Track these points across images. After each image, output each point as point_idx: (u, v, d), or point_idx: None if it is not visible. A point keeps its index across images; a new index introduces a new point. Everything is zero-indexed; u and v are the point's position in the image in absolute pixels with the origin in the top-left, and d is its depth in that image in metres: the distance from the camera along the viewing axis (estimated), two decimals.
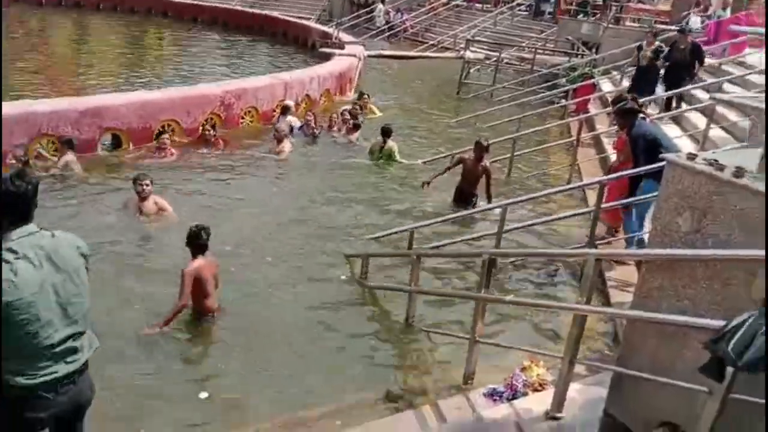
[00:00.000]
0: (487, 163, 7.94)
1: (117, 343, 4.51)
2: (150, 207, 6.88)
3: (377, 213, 7.80)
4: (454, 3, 26.86)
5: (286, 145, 9.57)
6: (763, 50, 10.35)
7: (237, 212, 7.32)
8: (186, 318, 5.04)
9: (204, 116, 10.16)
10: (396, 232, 6.81)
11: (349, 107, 11.54)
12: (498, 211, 6.22)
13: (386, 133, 9.68)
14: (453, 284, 6.01)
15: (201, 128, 9.95)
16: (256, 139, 10.47)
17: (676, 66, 10.49)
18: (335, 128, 10.96)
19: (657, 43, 11.18)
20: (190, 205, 7.35)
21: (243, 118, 10.96)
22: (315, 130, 10.57)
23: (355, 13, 25.99)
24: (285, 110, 11.33)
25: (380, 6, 26.29)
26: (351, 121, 10.83)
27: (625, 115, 6.00)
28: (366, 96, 12.66)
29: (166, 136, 9.13)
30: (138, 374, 4.40)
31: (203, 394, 4.26)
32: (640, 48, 11.28)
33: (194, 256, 5.01)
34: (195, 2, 26.56)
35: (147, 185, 6.82)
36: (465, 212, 7.17)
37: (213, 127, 9.95)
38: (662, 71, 10.89)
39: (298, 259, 6.30)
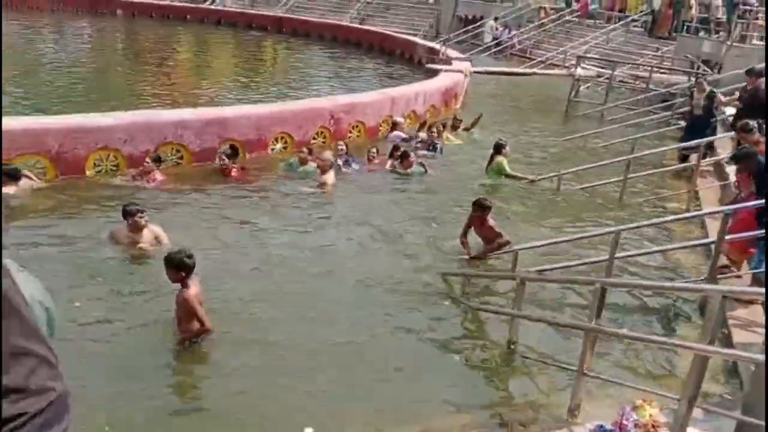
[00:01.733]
0: (494, 223, 7.01)
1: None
2: (147, 237, 6.32)
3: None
4: (564, 19, 26.25)
5: (330, 177, 8.66)
6: None
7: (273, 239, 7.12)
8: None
9: (315, 129, 10.50)
10: (499, 253, 6.71)
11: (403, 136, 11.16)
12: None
13: (496, 148, 9.58)
14: (558, 310, 5.82)
15: (217, 157, 9.02)
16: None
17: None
18: (375, 161, 9.97)
19: (708, 88, 10.48)
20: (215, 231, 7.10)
21: (350, 132, 11.22)
22: (372, 155, 9.97)
23: (463, 29, 25.99)
24: (394, 126, 11.54)
25: (490, 22, 26.13)
26: (398, 153, 9.89)
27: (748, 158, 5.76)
28: (455, 120, 12.21)
29: (148, 162, 8.24)
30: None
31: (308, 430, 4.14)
32: (691, 95, 10.59)
33: (186, 280, 4.80)
34: (306, 18, 27.68)
35: (143, 216, 6.28)
36: (573, 237, 6.93)
37: (229, 156, 8.80)
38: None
39: (390, 279, 6.26)
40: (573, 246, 7.05)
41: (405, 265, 6.57)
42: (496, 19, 26.35)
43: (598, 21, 25.96)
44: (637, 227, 6.59)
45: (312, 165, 9.02)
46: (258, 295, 5.71)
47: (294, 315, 5.46)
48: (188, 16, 28.76)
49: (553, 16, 26.60)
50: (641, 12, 24.71)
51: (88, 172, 8.23)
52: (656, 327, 5.60)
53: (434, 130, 11.37)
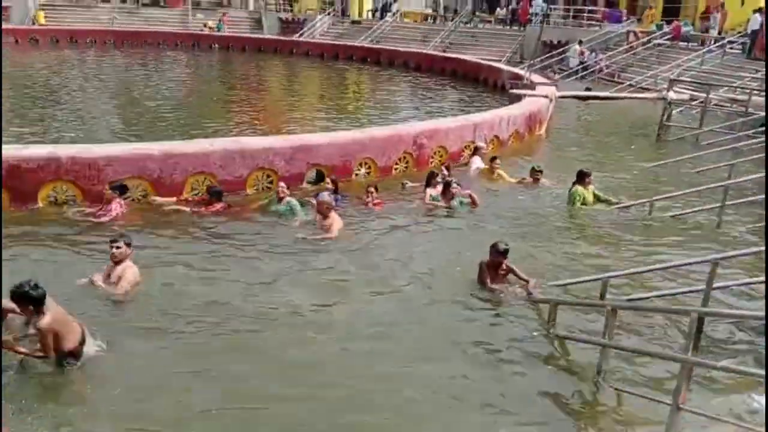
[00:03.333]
0: (509, 265, 6.59)
1: None
2: (114, 274, 5.94)
3: (552, 257, 7.51)
4: (654, 42, 25.44)
5: (335, 222, 7.79)
6: None
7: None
8: None
9: (398, 155, 10.65)
10: (586, 281, 6.52)
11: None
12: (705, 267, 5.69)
13: (580, 176, 9.35)
14: (652, 342, 5.57)
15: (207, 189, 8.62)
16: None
17: None
18: (374, 201, 8.99)
19: None
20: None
21: (432, 158, 11.29)
22: (370, 192, 8.95)
23: (547, 54, 25.71)
24: (476, 151, 11.54)
25: (575, 47, 25.74)
26: (440, 182, 9.28)
27: None
28: (498, 160, 10.79)
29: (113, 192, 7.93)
30: None
31: None
32: None
33: (41, 309, 4.65)
34: (391, 48, 28.31)
35: (119, 246, 5.96)
36: (666, 265, 6.63)
37: (213, 192, 8.40)
38: None
39: (475, 302, 6.26)
40: (666, 276, 6.76)
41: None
42: (580, 42, 25.93)
43: (691, 44, 24.99)
44: (737, 255, 6.24)
45: (291, 200, 8.30)
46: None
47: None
48: (278, 48, 30.03)
49: (643, 39, 25.84)
50: (739, 33, 23.59)
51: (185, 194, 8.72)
52: (757, 360, 5.25)
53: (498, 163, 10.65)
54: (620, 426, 4.51)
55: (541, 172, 10.24)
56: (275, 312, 5.87)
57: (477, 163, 11.21)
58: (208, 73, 25.14)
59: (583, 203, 9.24)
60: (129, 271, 5.96)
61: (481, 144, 11.79)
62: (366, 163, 10.28)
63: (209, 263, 6.82)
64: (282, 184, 8.57)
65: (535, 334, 5.71)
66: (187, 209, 8.31)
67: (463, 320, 5.98)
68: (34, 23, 32.08)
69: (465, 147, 11.83)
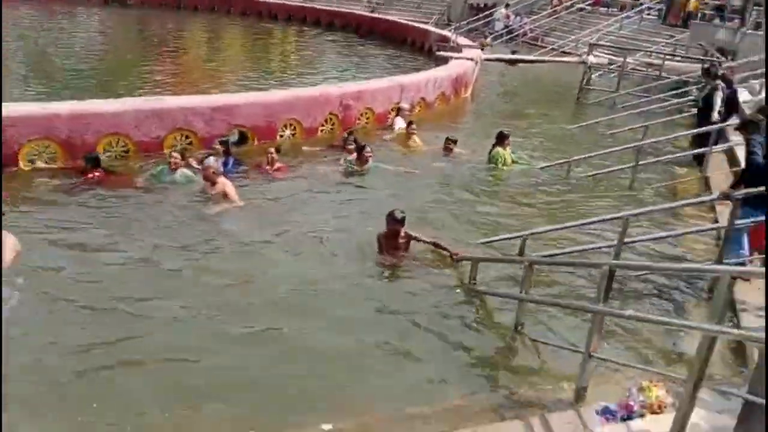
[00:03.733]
0: (408, 233, 6.31)
1: None
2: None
3: (479, 217, 7.67)
4: (577, 6, 26.00)
5: (227, 188, 7.27)
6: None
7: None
8: None
9: (324, 116, 10.49)
10: (507, 239, 6.69)
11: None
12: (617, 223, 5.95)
13: (500, 138, 9.53)
14: (566, 295, 5.81)
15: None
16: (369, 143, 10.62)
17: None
18: (276, 165, 8.40)
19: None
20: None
21: (359, 119, 11.20)
22: (272, 156, 8.35)
23: (474, 17, 25.84)
24: (398, 112, 11.54)
25: (501, 10, 25.97)
26: (353, 146, 9.08)
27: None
28: (413, 125, 10.48)
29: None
30: None
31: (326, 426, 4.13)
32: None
33: None
34: (316, 6, 27.67)
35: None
36: (582, 221, 6.89)
37: (92, 160, 7.66)
38: None
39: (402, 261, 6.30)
40: (582, 232, 7.03)
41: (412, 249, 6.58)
42: (507, 6, 26.19)
43: (611, 9, 25.71)
44: (647, 212, 6.57)
45: (185, 171, 7.74)
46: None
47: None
48: (198, 6, 28.76)
49: (566, 4, 26.36)
50: (655, 0, 24.45)
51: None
52: (664, 310, 5.58)
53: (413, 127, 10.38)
54: (536, 375, 4.69)
55: (455, 142, 9.90)
56: (189, 275, 5.72)
57: (399, 123, 11.21)
58: (124, 33, 23.81)
59: (504, 164, 9.44)
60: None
61: (404, 105, 11.78)
62: (291, 125, 10.08)
63: (96, 238, 6.24)
64: (175, 153, 7.83)
65: (457, 291, 5.83)
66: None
67: (384, 283, 6.04)
68: None
69: (392, 109, 11.80)
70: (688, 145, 10.75)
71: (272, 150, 8.39)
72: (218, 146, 8.21)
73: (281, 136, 9.93)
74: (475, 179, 9.07)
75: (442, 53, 16.62)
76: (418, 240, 6.35)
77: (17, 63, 15.28)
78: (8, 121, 7.65)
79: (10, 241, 5.51)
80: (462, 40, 18.92)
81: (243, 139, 9.48)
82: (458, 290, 5.85)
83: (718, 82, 9.79)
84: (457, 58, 15.59)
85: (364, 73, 16.98)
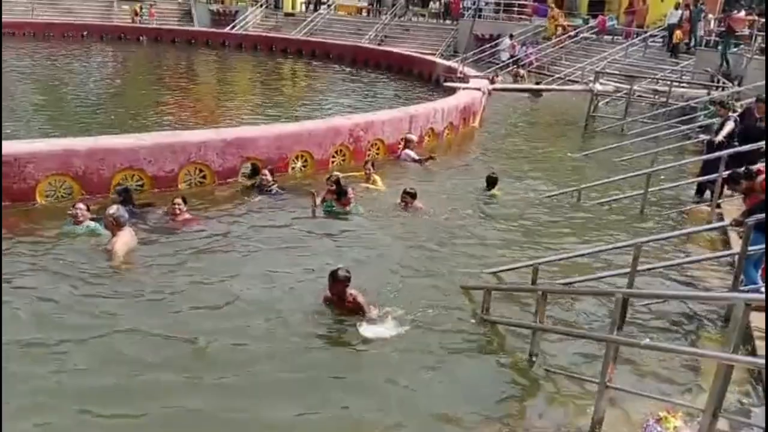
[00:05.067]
0: (355, 296, 5.59)
1: None
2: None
3: (490, 246, 7.66)
4: (582, 36, 26.30)
5: (124, 238, 6.55)
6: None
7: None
8: None
9: (335, 147, 10.62)
10: (518, 267, 6.70)
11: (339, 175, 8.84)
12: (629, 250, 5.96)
13: (491, 182, 9.57)
14: (580, 324, 5.79)
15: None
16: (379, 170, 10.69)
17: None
18: (183, 215, 7.54)
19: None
20: None
21: (369, 150, 11.31)
22: (177, 208, 7.50)
23: (480, 48, 26.17)
24: (406, 143, 11.65)
25: (506, 40, 26.31)
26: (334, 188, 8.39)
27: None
28: (370, 166, 9.77)
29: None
30: None
31: None
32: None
33: None
34: (325, 41, 28.17)
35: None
36: (594, 249, 6.91)
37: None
38: None
39: (409, 293, 6.24)
40: (594, 260, 7.03)
41: (420, 281, 6.59)
42: (511, 36, 26.53)
43: (616, 37, 25.97)
44: (659, 239, 6.57)
45: (90, 224, 7.06)
46: None
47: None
48: (209, 41, 29.34)
49: (571, 33, 26.67)
50: (659, 27, 24.68)
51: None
52: (680, 339, 5.55)
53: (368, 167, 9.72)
54: (552, 406, 4.67)
55: (413, 195, 8.61)
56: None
57: (411, 155, 11.35)
58: (137, 67, 24.29)
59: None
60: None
61: (411, 136, 11.90)
62: (302, 156, 10.20)
63: None
64: (81, 205, 7.18)
65: (471, 321, 5.82)
66: None
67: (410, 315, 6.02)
68: None
69: (401, 139, 11.92)
70: (698, 172, 10.77)
71: (178, 201, 7.57)
72: (82, 209, 7.14)
73: (293, 168, 10.04)
74: (482, 208, 9.11)
75: (449, 84, 16.82)
76: (361, 309, 5.55)
77: (31, 98, 15.62)
78: (29, 156, 7.82)
79: (126, 239, 6.09)
80: (469, 71, 19.16)
81: (255, 171, 9.59)
82: (471, 320, 5.84)
83: (731, 114, 9.83)
84: (464, 89, 15.77)
85: (373, 105, 17.20)
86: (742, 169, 6.41)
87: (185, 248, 6.90)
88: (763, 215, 5.40)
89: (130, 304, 5.63)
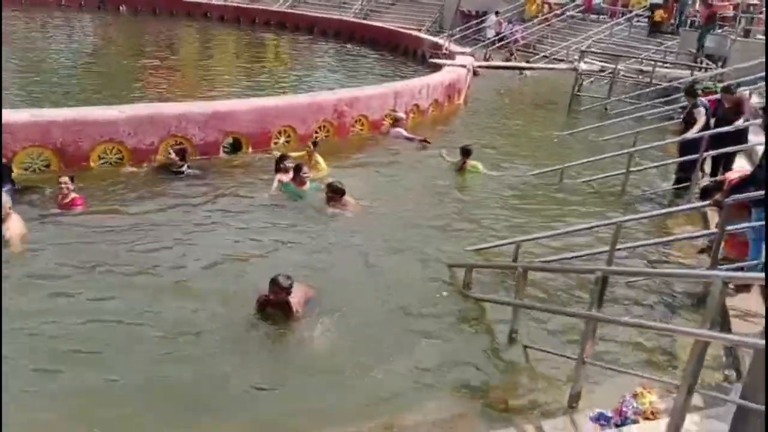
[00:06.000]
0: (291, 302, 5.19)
1: None
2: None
3: (469, 224, 7.68)
4: (568, 14, 26.18)
5: (13, 227, 6.01)
6: None
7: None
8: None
9: (318, 123, 10.52)
10: (500, 245, 6.73)
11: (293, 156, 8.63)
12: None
13: (466, 153, 9.57)
14: (560, 301, 5.85)
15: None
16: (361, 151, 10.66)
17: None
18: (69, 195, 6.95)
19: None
20: None
21: (353, 126, 11.23)
22: (64, 187, 6.91)
23: (466, 24, 25.96)
24: (395, 122, 11.58)
25: (492, 17, 26.11)
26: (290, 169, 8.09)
27: None
28: (311, 146, 9.29)
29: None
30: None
31: None
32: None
33: None
34: (310, 14, 27.73)
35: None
36: (574, 228, 6.95)
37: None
38: None
39: (395, 268, 6.29)
40: (575, 238, 7.07)
41: (406, 256, 6.60)
42: (497, 13, 26.33)
43: (602, 16, 25.89)
44: (639, 218, 6.62)
45: None
46: None
47: None
48: (191, 12, 28.74)
49: (557, 11, 26.54)
50: (644, 7, 24.64)
51: (92, 164, 8.30)
52: (657, 316, 5.63)
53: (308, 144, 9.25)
54: (530, 381, 4.73)
55: (340, 192, 7.59)
56: None
57: (403, 133, 11.28)
58: (116, 38, 23.77)
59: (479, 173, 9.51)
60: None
61: (400, 114, 11.83)
62: (285, 132, 10.10)
63: None
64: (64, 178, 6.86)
65: (449, 296, 5.86)
66: None
67: (376, 284, 6.04)
68: None
69: (386, 115, 11.84)
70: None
71: (64, 179, 6.95)
72: None
73: (275, 143, 9.95)
74: (455, 186, 9.10)
75: (435, 60, 16.70)
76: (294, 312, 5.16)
77: (14, 70, 15.25)
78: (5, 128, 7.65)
79: (17, 225, 5.81)
80: (454, 47, 19.03)
81: (237, 146, 9.49)
82: (451, 296, 5.88)
83: (699, 99, 9.79)
84: (450, 65, 15.67)
85: (358, 79, 17.04)
86: (711, 181, 6.43)
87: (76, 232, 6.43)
88: (742, 194, 5.44)
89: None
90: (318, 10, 29.56)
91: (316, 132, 10.52)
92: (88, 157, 8.23)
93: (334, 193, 7.59)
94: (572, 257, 6.22)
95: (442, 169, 9.78)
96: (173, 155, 8.38)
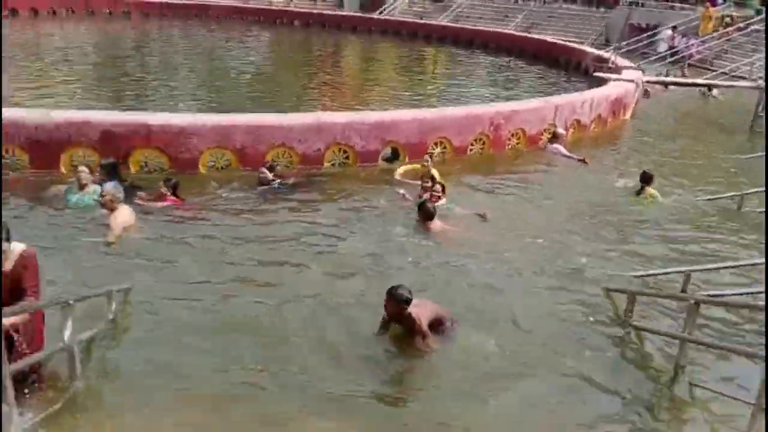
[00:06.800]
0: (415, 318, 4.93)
1: None
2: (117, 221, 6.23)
3: (638, 248, 7.24)
4: (752, 28, 23.88)
5: (123, 215, 6.42)
6: None
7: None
8: None
9: (474, 135, 10.53)
10: (668, 273, 6.29)
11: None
12: None
13: (647, 179, 8.92)
14: (735, 338, 5.34)
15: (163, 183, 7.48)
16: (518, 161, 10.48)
17: None
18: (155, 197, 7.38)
19: None
20: None
21: (510, 140, 11.09)
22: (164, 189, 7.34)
23: (635, 38, 24.62)
24: (554, 137, 11.26)
25: (667, 31, 24.50)
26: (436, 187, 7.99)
27: None
28: (428, 158, 9.38)
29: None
30: None
31: None
32: None
33: None
34: (470, 27, 27.87)
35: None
36: (752, 261, 6.32)
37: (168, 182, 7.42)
38: None
39: (549, 291, 6.10)
40: (754, 271, 6.44)
41: (560, 279, 6.39)
42: (674, 28, 24.63)
43: None
44: None
45: (98, 189, 6.69)
46: None
47: None
48: (357, 26, 30.08)
49: (740, 24, 24.33)
50: None
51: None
52: None
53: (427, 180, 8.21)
54: (699, 425, 4.36)
55: (427, 214, 7.20)
56: None
57: (561, 150, 10.97)
58: (290, 50, 25.53)
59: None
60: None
61: (560, 130, 11.46)
62: (441, 143, 10.22)
63: None
64: (83, 167, 7.00)
65: (611, 324, 5.56)
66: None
67: (545, 313, 5.88)
68: None
69: (544, 130, 11.56)
70: None
71: (160, 183, 7.33)
72: (85, 172, 6.96)
73: (432, 153, 10.10)
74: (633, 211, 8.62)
75: (599, 74, 16.02)
76: (421, 333, 4.95)
77: (191, 77, 16.96)
78: (190, 130, 8.53)
79: (124, 215, 6.27)
80: (621, 61, 18.14)
81: (395, 155, 9.76)
82: (613, 324, 5.58)
83: None
84: (616, 80, 14.95)
85: (518, 94, 16.81)
86: None
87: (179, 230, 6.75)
88: None
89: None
90: (478, 23, 29.63)
91: (472, 144, 10.52)
92: (263, 160, 8.89)
93: (421, 212, 7.21)
94: (753, 293, 5.65)
95: (603, 189, 9.36)
96: (267, 174, 8.28)
